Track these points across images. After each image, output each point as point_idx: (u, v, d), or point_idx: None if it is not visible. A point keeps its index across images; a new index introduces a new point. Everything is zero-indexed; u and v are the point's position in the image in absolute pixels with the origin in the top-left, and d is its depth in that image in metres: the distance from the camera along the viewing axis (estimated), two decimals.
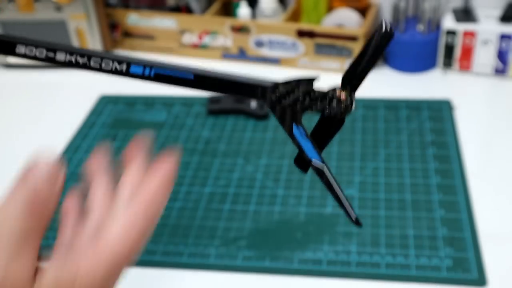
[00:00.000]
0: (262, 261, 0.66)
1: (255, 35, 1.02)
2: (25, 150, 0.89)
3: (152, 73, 0.43)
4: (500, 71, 0.94)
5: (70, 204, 0.42)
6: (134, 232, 0.35)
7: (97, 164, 0.42)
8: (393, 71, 0.99)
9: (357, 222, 0.45)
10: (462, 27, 0.92)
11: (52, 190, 0.37)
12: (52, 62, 0.44)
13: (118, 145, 0.87)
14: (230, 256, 0.67)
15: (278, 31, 1.00)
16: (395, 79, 0.97)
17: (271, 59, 1.02)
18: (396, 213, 0.71)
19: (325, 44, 0.98)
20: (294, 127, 0.41)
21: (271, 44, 1.01)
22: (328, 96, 0.41)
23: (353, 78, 0.41)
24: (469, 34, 0.92)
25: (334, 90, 0.42)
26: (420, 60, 0.97)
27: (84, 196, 0.39)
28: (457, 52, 0.95)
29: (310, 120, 0.42)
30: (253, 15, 1.05)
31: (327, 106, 0.41)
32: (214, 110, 0.91)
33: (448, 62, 0.96)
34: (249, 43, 1.03)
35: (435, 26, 0.96)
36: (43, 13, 1.03)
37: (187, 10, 1.08)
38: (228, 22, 1.03)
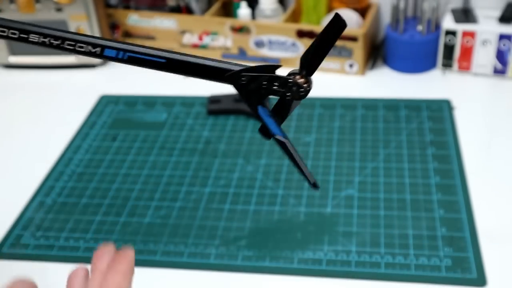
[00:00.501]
0: (262, 261, 0.66)
1: (255, 36, 1.02)
2: (25, 150, 0.89)
3: (126, 56, 0.43)
4: (499, 71, 0.94)
5: None
6: None
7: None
8: (392, 71, 0.99)
9: (314, 185, 0.51)
10: (461, 28, 0.93)
11: None
12: (25, 42, 0.44)
13: (118, 145, 0.87)
14: (230, 256, 0.67)
15: (278, 32, 1.00)
16: (394, 79, 0.98)
17: (271, 59, 1.03)
18: (396, 213, 0.71)
19: None
20: (259, 107, 0.46)
21: (271, 44, 1.02)
22: (289, 81, 0.46)
23: (310, 64, 0.46)
24: (469, 35, 0.93)
25: (294, 76, 0.46)
26: (419, 60, 0.98)
27: None
28: (457, 53, 0.95)
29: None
30: (253, 16, 1.05)
31: (288, 91, 0.46)
32: (214, 110, 0.91)
33: (447, 63, 0.96)
34: (249, 43, 1.03)
35: (434, 26, 0.96)
36: (44, 14, 1.03)
37: (187, 10, 1.08)
38: (228, 22, 1.03)
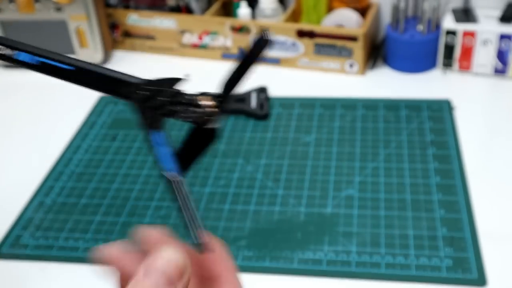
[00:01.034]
0: (262, 261, 0.66)
1: (255, 35, 1.02)
2: (25, 150, 0.89)
3: (38, 61, 0.41)
4: (499, 71, 0.94)
5: None
6: None
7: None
8: (393, 71, 0.99)
9: (199, 247, 0.41)
10: (461, 27, 0.93)
11: None
12: None
13: (118, 145, 0.87)
14: (230, 256, 0.67)
15: (278, 31, 1.00)
16: (395, 79, 0.97)
17: (271, 59, 1.03)
18: (396, 213, 0.71)
19: (325, 44, 0.98)
20: (153, 133, 0.38)
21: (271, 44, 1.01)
22: (192, 101, 0.37)
23: (229, 84, 0.39)
24: (469, 34, 0.93)
25: (199, 95, 0.38)
26: (420, 60, 0.97)
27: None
28: (457, 52, 0.95)
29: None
30: (253, 15, 1.05)
31: (188, 112, 0.38)
32: None
33: (448, 62, 0.96)
34: (249, 43, 1.03)
35: (435, 26, 0.96)
36: (44, 14, 1.03)
37: (187, 10, 1.08)
38: (228, 22, 1.03)
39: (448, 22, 0.94)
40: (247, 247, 0.68)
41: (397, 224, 0.69)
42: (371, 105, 0.90)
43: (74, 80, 0.39)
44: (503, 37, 0.91)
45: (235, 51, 1.04)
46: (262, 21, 1.02)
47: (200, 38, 1.05)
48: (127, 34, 1.10)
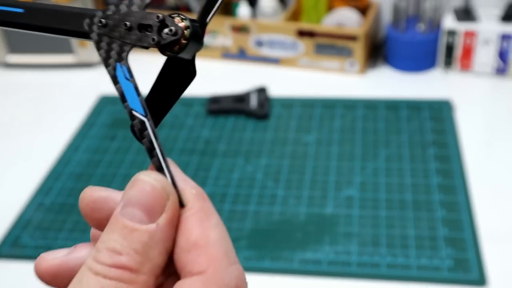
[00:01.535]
0: (262, 261, 0.66)
1: (255, 35, 1.01)
2: (24, 150, 0.88)
3: None
4: (500, 71, 0.94)
5: None
6: None
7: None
8: (393, 70, 0.99)
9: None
10: (462, 27, 0.92)
11: None
12: None
13: (117, 145, 0.86)
14: None
15: (278, 31, 1.00)
16: (395, 78, 0.97)
17: (271, 59, 1.02)
18: (397, 213, 0.70)
19: (325, 44, 0.97)
20: (118, 66, 0.32)
21: (271, 43, 1.01)
22: (160, 20, 0.32)
23: (203, 11, 0.33)
24: (470, 34, 0.92)
25: (171, 15, 0.33)
26: (420, 59, 0.97)
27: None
28: (458, 52, 0.94)
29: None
30: (253, 15, 1.05)
31: (156, 34, 0.31)
32: (214, 110, 0.91)
33: (448, 62, 0.96)
34: (249, 42, 1.02)
35: (435, 25, 0.96)
36: None
37: (187, 9, 1.07)
38: (228, 21, 1.02)
39: (449, 22, 0.94)
40: (247, 247, 0.68)
41: (397, 224, 0.69)
42: (371, 105, 0.90)
43: (26, 26, 0.34)
44: (504, 36, 0.91)
45: (235, 50, 1.04)
46: (262, 21, 1.02)
47: None
48: None
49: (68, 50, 1.05)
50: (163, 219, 0.26)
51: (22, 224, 0.74)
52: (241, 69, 1.03)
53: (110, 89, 1.00)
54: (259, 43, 1.02)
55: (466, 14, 0.94)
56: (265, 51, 1.02)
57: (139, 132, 0.31)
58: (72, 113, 0.95)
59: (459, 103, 0.89)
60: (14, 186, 0.81)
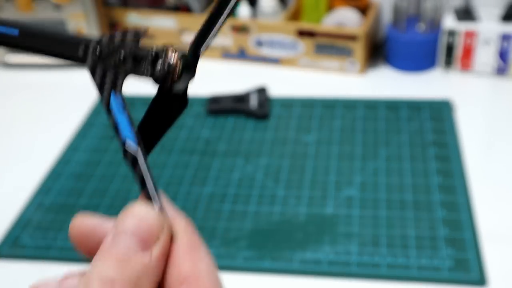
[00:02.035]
0: (262, 261, 0.66)
1: (255, 35, 1.01)
2: (24, 150, 0.88)
3: None
4: (501, 71, 0.93)
5: None
6: None
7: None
8: (393, 70, 0.99)
9: None
10: (463, 27, 0.92)
11: None
12: None
13: (117, 145, 0.86)
14: (230, 256, 0.67)
15: (278, 31, 1.00)
16: (395, 78, 0.97)
17: (271, 58, 1.02)
18: (397, 213, 0.70)
19: (326, 43, 0.97)
20: (112, 95, 0.32)
21: (271, 43, 1.01)
22: (153, 54, 0.32)
23: (196, 42, 0.33)
24: (470, 34, 0.92)
25: (164, 48, 0.33)
26: (420, 59, 0.97)
27: None
28: (458, 52, 0.94)
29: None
30: (253, 15, 1.05)
31: (149, 67, 0.32)
32: (214, 110, 0.91)
33: (448, 62, 0.96)
34: (249, 42, 1.02)
35: (436, 25, 0.96)
36: (42, 13, 1.02)
37: (187, 9, 1.07)
38: (228, 21, 1.02)
39: (449, 21, 0.93)
40: (247, 247, 0.68)
41: (398, 225, 0.69)
42: (371, 105, 0.90)
43: (20, 47, 0.34)
44: (504, 36, 0.91)
45: (235, 50, 1.04)
46: (262, 21, 1.02)
47: None
48: None
49: None
50: (157, 250, 0.26)
51: (22, 224, 0.74)
52: (241, 69, 1.03)
53: None
54: (259, 43, 1.02)
55: (466, 14, 0.94)
56: (265, 51, 1.02)
57: (131, 164, 0.32)
58: (72, 113, 0.95)
59: (459, 103, 0.89)
60: (14, 186, 0.81)
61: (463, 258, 0.64)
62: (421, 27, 0.96)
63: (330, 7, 1.03)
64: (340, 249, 0.66)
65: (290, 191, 0.75)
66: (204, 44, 0.33)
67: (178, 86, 0.32)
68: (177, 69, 0.32)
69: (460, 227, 0.68)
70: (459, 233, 0.67)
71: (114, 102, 0.33)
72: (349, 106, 0.90)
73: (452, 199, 0.72)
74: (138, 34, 0.32)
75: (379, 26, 1.06)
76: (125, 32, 0.32)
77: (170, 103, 0.34)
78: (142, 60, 0.32)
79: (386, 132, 0.84)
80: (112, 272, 0.25)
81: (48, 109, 0.98)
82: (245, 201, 0.74)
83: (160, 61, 0.32)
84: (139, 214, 0.27)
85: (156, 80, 0.32)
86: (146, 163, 0.32)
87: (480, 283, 0.61)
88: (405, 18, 0.96)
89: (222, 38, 1.04)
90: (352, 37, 0.95)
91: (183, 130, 0.88)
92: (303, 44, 0.99)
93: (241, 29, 1.02)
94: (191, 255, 0.27)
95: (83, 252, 0.31)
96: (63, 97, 1.01)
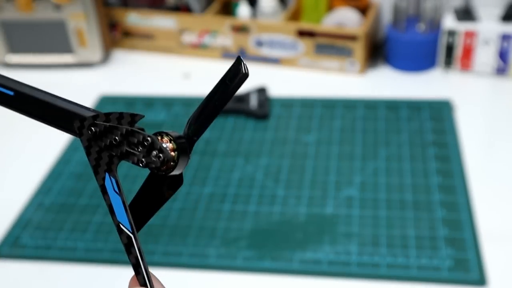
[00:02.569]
0: (262, 261, 0.66)
1: (255, 35, 1.01)
2: (24, 150, 0.88)
3: None
4: (501, 71, 0.93)
5: None
6: None
7: None
8: (393, 70, 0.99)
9: None
10: (462, 27, 0.92)
11: None
12: None
13: None
14: (230, 256, 0.67)
15: (278, 31, 1.00)
16: (395, 78, 0.97)
17: (271, 58, 1.02)
18: (397, 213, 0.70)
19: (325, 43, 0.97)
20: (107, 176, 0.31)
21: (271, 43, 1.01)
22: (148, 142, 0.30)
23: (195, 123, 0.33)
24: (470, 34, 0.92)
25: (158, 135, 0.32)
26: (420, 59, 0.97)
27: None
28: (458, 52, 0.94)
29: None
30: (253, 15, 1.05)
31: (144, 156, 0.30)
32: None
33: (448, 62, 0.96)
34: (249, 42, 1.02)
35: (435, 25, 0.96)
36: (42, 13, 1.02)
37: (187, 9, 1.07)
38: (228, 21, 1.02)
39: (449, 22, 0.94)
40: (247, 247, 0.68)
41: (398, 225, 0.69)
42: (371, 105, 0.90)
43: (14, 107, 0.34)
44: (504, 36, 0.91)
45: (235, 50, 1.04)
46: (262, 21, 1.02)
47: (200, 37, 1.05)
48: (127, 33, 1.10)
49: (68, 50, 1.05)
50: None
51: (22, 224, 0.74)
52: None
53: (110, 89, 1.00)
54: (259, 43, 1.02)
55: (466, 14, 0.94)
56: (265, 51, 1.02)
57: (125, 247, 0.31)
58: None
59: (459, 103, 0.89)
60: (14, 186, 0.81)
61: (463, 258, 0.64)
62: (421, 27, 0.96)
63: (330, 7, 1.03)
64: (340, 249, 0.67)
65: (290, 191, 0.75)
66: (202, 131, 0.34)
67: (174, 172, 0.31)
68: (173, 158, 0.31)
69: (460, 227, 0.68)
70: (459, 233, 0.67)
71: (109, 184, 0.32)
72: (349, 106, 0.90)
73: (452, 199, 0.72)
74: (134, 117, 0.31)
75: (379, 26, 1.06)
76: (121, 114, 0.31)
77: (164, 184, 0.33)
78: (136, 147, 0.31)
79: (386, 132, 0.84)
80: None
81: None
82: (245, 201, 0.74)
83: (154, 152, 0.30)
84: None
85: (151, 169, 0.31)
86: (140, 250, 0.31)
87: (480, 283, 0.61)
88: (405, 18, 0.96)
89: (222, 38, 1.04)
90: (352, 37, 0.95)
91: (183, 130, 0.88)
92: (303, 44, 0.99)
93: (241, 29, 1.02)
94: None
95: None
96: (63, 97, 1.00)
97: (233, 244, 0.68)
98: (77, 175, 0.81)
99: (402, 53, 0.97)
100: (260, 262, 0.66)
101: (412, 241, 0.67)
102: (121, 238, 0.31)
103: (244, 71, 0.31)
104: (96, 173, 0.32)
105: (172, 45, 1.08)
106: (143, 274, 0.31)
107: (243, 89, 0.94)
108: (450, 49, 0.95)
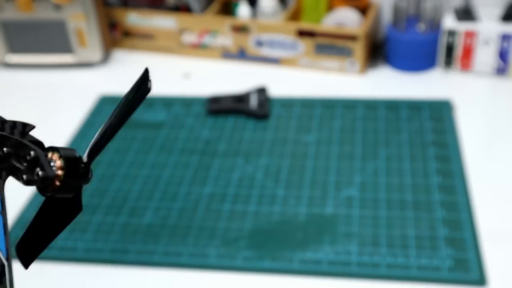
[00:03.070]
0: (262, 261, 0.66)
1: (255, 35, 1.01)
2: None
3: None
4: (501, 71, 0.93)
5: None
6: None
7: None
8: (393, 70, 0.99)
9: None
10: (463, 27, 0.92)
11: None
12: None
13: (117, 145, 0.86)
14: (230, 256, 0.67)
15: (278, 31, 1.00)
16: (395, 78, 0.97)
17: (271, 58, 1.02)
18: (397, 213, 0.70)
19: (325, 43, 0.97)
20: None
21: (271, 43, 1.01)
22: (30, 156, 0.26)
23: (95, 147, 0.27)
24: (470, 34, 0.92)
25: (50, 150, 0.27)
26: (420, 59, 0.97)
27: None
28: (458, 52, 0.94)
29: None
30: (253, 15, 1.04)
31: (25, 172, 0.27)
32: (214, 110, 0.91)
33: (448, 62, 0.96)
34: (249, 42, 1.02)
35: (435, 25, 0.96)
36: (42, 13, 1.02)
37: (187, 9, 1.07)
38: (228, 21, 1.02)
39: (449, 22, 0.93)
40: (247, 247, 0.68)
41: (398, 225, 0.69)
42: (371, 105, 0.90)
43: None
44: (504, 36, 0.91)
45: (235, 50, 1.04)
46: (262, 21, 1.02)
47: (200, 37, 1.05)
48: (127, 33, 1.10)
49: (68, 50, 1.05)
50: None
51: (22, 224, 0.74)
52: (241, 69, 1.03)
53: (110, 89, 1.00)
54: (259, 43, 1.02)
55: (466, 14, 0.94)
56: (265, 51, 1.02)
57: None
58: (72, 113, 0.95)
59: (459, 103, 0.89)
60: (14, 186, 0.81)
61: (463, 258, 0.64)
62: (421, 27, 0.96)
63: (330, 7, 1.03)
64: (340, 249, 0.66)
65: (290, 191, 0.75)
66: (98, 153, 0.28)
67: (63, 194, 0.27)
68: (58, 178, 0.27)
69: (460, 227, 0.68)
70: (459, 233, 0.67)
71: None
72: (349, 106, 0.90)
73: (452, 199, 0.72)
74: (25, 127, 0.26)
75: (379, 26, 1.06)
76: (15, 123, 0.26)
77: (59, 208, 0.28)
78: (23, 161, 0.26)
79: (386, 132, 0.84)
80: None
81: (48, 109, 0.98)
82: (245, 201, 0.74)
83: (37, 169, 0.26)
84: None
85: (38, 189, 0.27)
86: (11, 280, 0.27)
87: (480, 283, 0.61)
88: (405, 18, 0.96)
89: (222, 38, 1.04)
90: (352, 37, 0.95)
91: (183, 130, 0.88)
92: (303, 44, 0.99)
93: (241, 29, 1.02)
94: None
95: None
96: (63, 97, 1.01)
97: (233, 244, 0.68)
98: None
99: (402, 53, 0.97)
100: (260, 262, 0.66)
101: (412, 241, 0.67)
102: None
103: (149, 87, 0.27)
104: None
105: (172, 45, 1.08)
106: None
107: (243, 89, 0.94)
108: (450, 49, 0.95)
